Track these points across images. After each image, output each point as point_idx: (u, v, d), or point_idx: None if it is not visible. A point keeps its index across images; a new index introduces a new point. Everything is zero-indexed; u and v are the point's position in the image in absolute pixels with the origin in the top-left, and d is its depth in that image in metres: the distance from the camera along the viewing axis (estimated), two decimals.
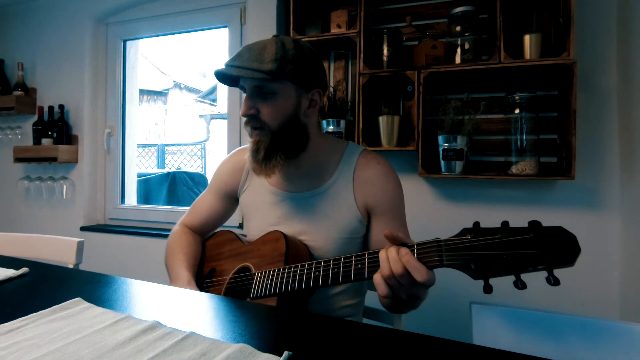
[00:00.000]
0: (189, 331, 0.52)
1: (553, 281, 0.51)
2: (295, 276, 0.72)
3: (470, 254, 0.55)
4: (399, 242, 0.62)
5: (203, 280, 0.93)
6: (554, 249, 0.51)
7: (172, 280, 0.89)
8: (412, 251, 0.60)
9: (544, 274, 0.52)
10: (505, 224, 0.55)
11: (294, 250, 0.80)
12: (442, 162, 1.34)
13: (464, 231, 0.58)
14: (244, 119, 0.81)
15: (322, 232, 0.84)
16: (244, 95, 0.81)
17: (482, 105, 1.36)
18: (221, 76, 0.83)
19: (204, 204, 1.03)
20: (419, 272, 0.57)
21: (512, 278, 0.53)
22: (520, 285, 0.52)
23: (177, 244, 0.96)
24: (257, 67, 0.74)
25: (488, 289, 0.54)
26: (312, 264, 0.72)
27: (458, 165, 1.32)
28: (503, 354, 0.48)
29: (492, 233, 0.55)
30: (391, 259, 0.60)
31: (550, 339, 0.65)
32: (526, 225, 0.53)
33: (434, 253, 0.58)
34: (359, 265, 0.66)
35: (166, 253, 0.97)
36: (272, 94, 0.77)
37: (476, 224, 0.57)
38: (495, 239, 0.54)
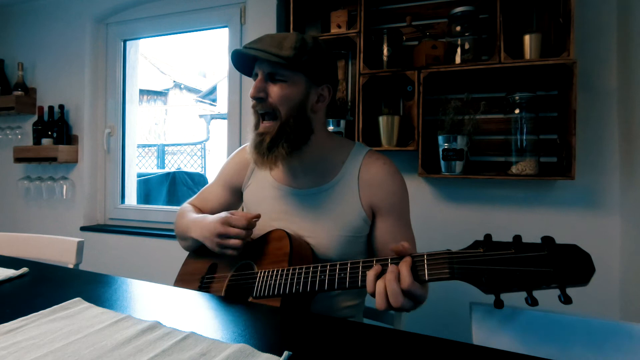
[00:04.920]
0: (189, 331, 0.52)
1: (564, 300, 0.50)
2: (300, 278, 0.72)
3: (483, 269, 0.54)
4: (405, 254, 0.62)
5: (204, 276, 0.93)
6: (569, 268, 0.50)
7: (194, 222, 0.89)
8: (420, 265, 0.59)
9: (555, 289, 0.51)
10: (517, 238, 0.53)
11: (297, 250, 0.80)
12: (442, 162, 1.34)
13: (476, 244, 0.56)
14: (252, 102, 0.81)
15: (325, 229, 0.84)
16: (253, 83, 0.81)
17: (482, 105, 1.36)
18: (237, 61, 0.84)
19: (210, 192, 1.05)
20: (405, 282, 0.58)
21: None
22: (530, 301, 0.51)
23: (190, 211, 0.99)
24: (275, 52, 0.76)
25: (499, 304, 0.53)
26: (318, 267, 0.71)
27: (458, 165, 1.32)
28: (503, 354, 0.48)
29: (506, 248, 0.53)
30: (390, 292, 0.59)
31: (550, 339, 0.65)
32: (535, 232, 0.52)
33: (444, 265, 0.57)
34: (367, 272, 0.65)
35: (178, 217, 1.00)
36: (283, 81, 0.78)
37: (488, 236, 0.56)
38: (509, 255, 0.53)
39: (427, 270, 0.58)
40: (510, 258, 0.53)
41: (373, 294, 0.61)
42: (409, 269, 0.58)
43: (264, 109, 0.80)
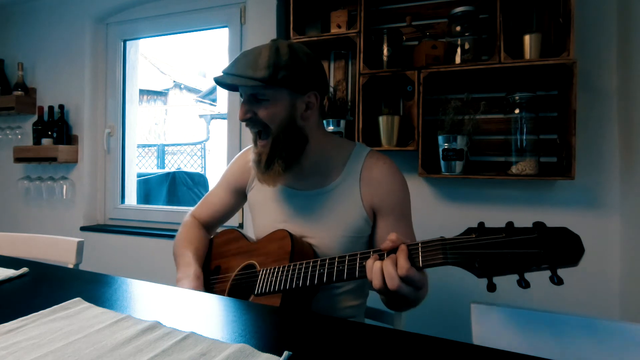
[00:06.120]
0: (189, 331, 0.52)
1: (557, 280, 0.51)
2: (299, 273, 0.73)
3: (475, 253, 0.55)
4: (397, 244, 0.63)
5: (209, 277, 0.94)
6: (558, 249, 0.51)
7: (181, 265, 0.90)
8: (414, 252, 0.61)
9: (548, 273, 0.52)
10: (509, 224, 0.55)
11: (299, 249, 0.81)
12: (442, 162, 1.34)
13: (469, 230, 0.58)
14: (244, 123, 0.83)
15: (328, 230, 0.85)
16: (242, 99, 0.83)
17: (482, 105, 1.36)
18: (220, 82, 0.85)
19: (214, 196, 1.05)
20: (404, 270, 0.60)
21: (514, 277, 0.54)
22: (523, 284, 0.53)
23: (189, 236, 0.99)
24: (251, 74, 0.76)
25: (492, 287, 0.54)
26: (317, 261, 0.72)
27: (458, 165, 1.32)
28: (503, 353, 0.48)
29: (497, 232, 0.55)
30: (387, 274, 0.61)
31: (550, 339, 0.65)
32: (530, 225, 0.54)
33: (438, 251, 0.59)
34: (364, 263, 0.66)
35: (177, 240, 0.99)
36: (266, 100, 0.79)
37: (481, 223, 0.58)
38: (500, 238, 0.54)
39: (421, 257, 0.60)
40: (502, 242, 0.54)
41: (371, 278, 0.63)
42: (406, 257, 0.60)
43: (256, 127, 0.82)
